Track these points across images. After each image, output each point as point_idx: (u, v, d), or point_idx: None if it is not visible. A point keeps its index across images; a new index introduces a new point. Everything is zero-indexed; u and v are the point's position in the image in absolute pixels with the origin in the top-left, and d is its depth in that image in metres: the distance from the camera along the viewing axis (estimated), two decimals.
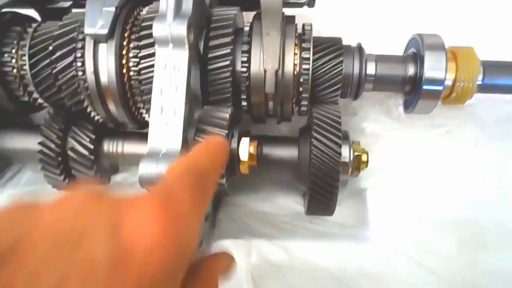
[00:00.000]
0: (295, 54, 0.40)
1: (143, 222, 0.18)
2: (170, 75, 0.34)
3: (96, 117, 0.43)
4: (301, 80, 0.40)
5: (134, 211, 0.19)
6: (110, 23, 0.37)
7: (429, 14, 0.50)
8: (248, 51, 0.40)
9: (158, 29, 0.33)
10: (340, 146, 0.39)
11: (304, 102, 0.41)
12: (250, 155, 0.39)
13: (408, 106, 0.45)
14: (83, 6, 0.38)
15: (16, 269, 0.17)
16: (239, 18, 0.44)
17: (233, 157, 0.38)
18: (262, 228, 0.46)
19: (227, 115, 0.37)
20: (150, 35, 0.36)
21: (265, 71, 0.39)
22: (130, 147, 0.44)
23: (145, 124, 0.43)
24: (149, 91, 0.36)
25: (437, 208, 0.44)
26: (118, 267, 0.17)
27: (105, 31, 0.37)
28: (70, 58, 0.39)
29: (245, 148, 0.38)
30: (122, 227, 0.18)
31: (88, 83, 0.39)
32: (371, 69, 0.43)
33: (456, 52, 0.42)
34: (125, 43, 0.39)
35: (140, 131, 0.45)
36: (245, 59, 0.39)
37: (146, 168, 0.33)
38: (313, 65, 0.40)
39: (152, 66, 0.36)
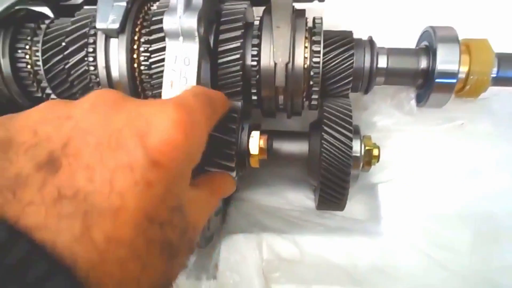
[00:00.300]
0: (305, 47, 0.40)
1: (167, 134, 0.22)
2: (180, 68, 0.34)
3: None
4: (312, 73, 0.40)
5: (159, 120, 0.23)
6: (121, 17, 0.37)
7: (442, 6, 0.50)
8: (258, 45, 0.39)
9: (169, 22, 0.33)
10: (351, 140, 0.38)
11: (315, 96, 0.41)
12: (261, 148, 0.38)
13: (420, 100, 0.45)
14: (95, 3, 0.38)
15: (74, 163, 0.20)
16: (249, 13, 0.43)
17: (243, 150, 0.38)
18: (273, 222, 0.46)
19: (237, 108, 0.37)
20: (160, 29, 0.36)
21: (275, 64, 0.38)
22: None
23: None
24: (160, 85, 0.36)
25: (450, 203, 0.43)
26: (153, 168, 0.21)
27: (116, 25, 0.37)
28: (82, 53, 0.40)
29: (256, 141, 0.38)
30: (151, 136, 0.22)
31: (99, 77, 0.40)
32: (382, 62, 0.42)
33: (470, 44, 0.42)
34: (136, 37, 0.39)
35: None
36: (255, 52, 0.39)
37: None
38: (323, 59, 0.40)
39: (163, 60, 0.36)
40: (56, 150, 0.20)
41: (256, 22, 0.41)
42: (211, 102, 0.29)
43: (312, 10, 0.42)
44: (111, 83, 0.40)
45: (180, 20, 0.33)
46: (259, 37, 0.40)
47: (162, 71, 0.36)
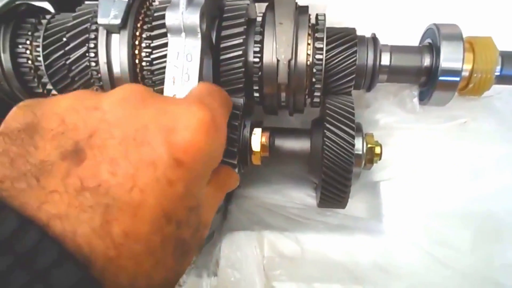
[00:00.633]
0: (308, 44, 0.39)
1: (192, 134, 0.22)
2: (182, 65, 0.34)
3: None
4: (314, 70, 0.39)
5: (185, 120, 0.23)
6: (123, 13, 0.37)
7: (446, 3, 0.49)
8: (261, 42, 0.39)
9: (171, 18, 0.33)
10: (353, 138, 0.38)
11: (317, 93, 0.41)
12: (263, 145, 0.38)
13: (423, 97, 0.45)
14: None
15: (98, 155, 0.20)
16: (252, 9, 0.43)
17: (245, 147, 0.38)
18: (274, 220, 0.46)
19: (239, 105, 0.36)
20: (162, 25, 0.36)
21: (277, 61, 0.38)
22: None
23: None
24: (162, 82, 0.36)
25: (451, 201, 0.43)
26: (176, 167, 0.21)
27: (118, 21, 0.37)
28: (83, 49, 0.39)
29: (258, 138, 0.38)
30: (177, 134, 0.22)
31: (101, 73, 0.39)
32: (385, 59, 0.42)
33: (474, 42, 0.41)
34: (137, 33, 0.39)
35: None
36: (257, 49, 0.39)
37: None
38: (326, 56, 0.40)
39: (165, 56, 0.36)
40: (82, 140, 0.21)
41: (259, 19, 0.41)
42: (225, 101, 0.29)
43: (315, 7, 0.42)
44: (112, 79, 0.39)
45: (182, 16, 0.33)
46: (261, 33, 0.39)
47: (164, 67, 0.36)
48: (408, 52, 0.43)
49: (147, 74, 0.39)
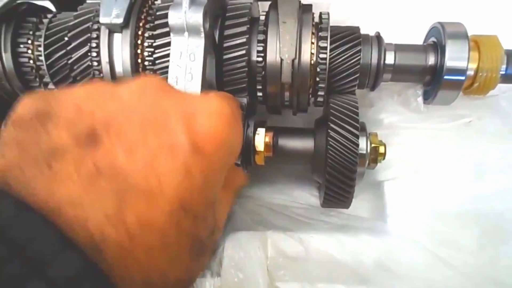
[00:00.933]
0: (312, 43, 0.39)
1: (212, 119, 0.22)
2: (185, 64, 0.33)
3: None
4: (318, 70, 0.39)
5: (205, 108, 0.22)
6: (125, 12, 0.37)
7: (451, 2, 0.49)
8: (264, 41, 0.39)
9: (174, 17, 0.33)
10: (357, 137, 0.38)
11: (321, 93, 0.41)
12: (266, 145, 0.38)
13: (428, 97, 0.44)
14: None
15: (115, 141, 0.19)
16: (255, 8, 0.43)
17: (249, 147, 0.38)
18: (277, 220, 0.45)
19: (243, 105, 0.36)
20: (165, 24, 0.36)
21: (281, 60, 0.38)
22: None
23: None
24: None
25: (456, 201, 0.43)
26: (195, 155, 0.20)
27: (120, 20, 0.37)
28: (85, 48, 0.39)
29: (261, 138, 0.38)
30: (196, 120, 0.21)
31: (103, 73, 0.39)
32: (390, 58, 0.42)
33: (479, 40, 0.41)
34: (140, 32, 0.38)
35: None
36: (261, 48, 0.39)
37: None
38: (330, 55, 0.39)
39: (167, 55, 0.36)
40: (98, 126, 0.20)
41: (262, 18, 0.40)
42: (236, 104, 0.29)
43: (318, 5, 0.42)
44: (114, 78, 0.39)
45: (185, 15, 0.33)
46: (265, 32, 0.39)
47: (166, 67, 0.35)
48: (413, 51, 0.43)
49: (149, 74, 0.39)
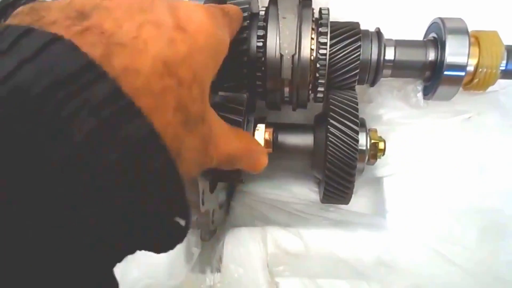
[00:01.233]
0: (312, 39, 0.39)
1: (195, 12, 0.23)
2: None
3: None
4: (318, 65, 0.39)
5: (188, 5, 0.24)
6: None
7: None
8: (264, 36, 0.39)
9: None
10: (357, 133, 0.38)
11: (321, 88, 0.40)
12: (266, 141, 0.38)
13: (428, 92, 0.44)
14: None
15: (104, 14, 0.20)
16: (254, 3, 0.43)
17: None
18: (277, 216, 0.46)
19: (243, 101, 0.36)
20: None
21: (281, 56, 0.38)
22: None
23: None
24: None
25: (456, 197, 0.43)
26: (179, 30, 0.22)
27: None
28: None
29: (261, 134, 0.38)
30: (180, 10, 0.23)
31: None
32: (389, 54, 0.42)
33: (479, 36, 0.41)
34: None
35: None
36: (260, 44, 0.38)
37: None
38: (330, 50, 0.39)
39: None
40: (88, 6, 0.21)
41: (262, 13, 0.40)
42: (226, 13, 0.30)
43: (318, 1, 0.42)
44: None
45: None
46: (264, 28, 0.39)
47: None
48: (413, 46, 0.42)
49: None
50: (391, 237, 0.42)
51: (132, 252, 0.19)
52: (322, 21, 0.39)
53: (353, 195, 0.40)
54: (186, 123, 0.22)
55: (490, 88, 0.42)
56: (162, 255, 0.21)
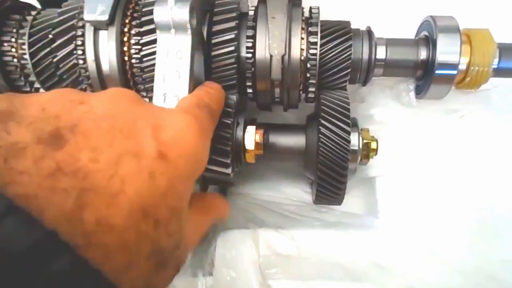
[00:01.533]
0: (302, 38, 0.38)
1: (181, 130, 0.23)
2: (172, 62, 0.33)
3: None
4: (308, 65, 0.38)
5: (173, 120, 0.24)
6: (110, 8, 0.36)
7: None
8: (253, 37, 0.38)
9: (159, 14, 0.32)
10: (349, 133, 0.37)
11: (312, 89, 0.40)
12: (257, 144, 0.38)
13: (420, 91, 0.44)
14: None
15: (81, 142, 0.19)
16: (244, 3, 0.42)
17: (239, 146, 0.37)
18: (269, 217, 0.45)
19: (232, 102, 0.36)
20: (151, 21, 0.35)
21: (271, 56, 0.37)
22: None
23: None
24: (152, 79, 0.35)
25: (449, 196, 0.42)
26: (160, 160, 0.21)
27: (105, 17, 0.36)
28: (71, 46, 0.38)
29: (251, 136, 0.37)
30: (164, 131, 0.22)
31: (89, 71, 0.38)
32: (381, 53, 0.41)
33: (471, 34, 0.41)
34: (126, 29, 0.37)
35: None
36: (250, 44, 0.38)
37: None
38: (320, 50, 0.39)
39: (154, 53, 0.35)
40: (64, 128, 0.20)
41: (251, 13, 0.40)
42: (213, 114, 0.30)
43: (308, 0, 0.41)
44: (101, 77, 0.38)
45: (171, 11, 0.32)
46: (254, 28, 0.38)
47: (154, 65, 0.35)
48: (404, 45, 0.42)
49: (137, 72, 0.38)
50: (383, 238, 0.42)
51: None
52: (312, 21, 0.39)
53: (345, 196, 0.40)
54: (159, 264, 0.21)
55: (482, 87, 0.42)
56: None
